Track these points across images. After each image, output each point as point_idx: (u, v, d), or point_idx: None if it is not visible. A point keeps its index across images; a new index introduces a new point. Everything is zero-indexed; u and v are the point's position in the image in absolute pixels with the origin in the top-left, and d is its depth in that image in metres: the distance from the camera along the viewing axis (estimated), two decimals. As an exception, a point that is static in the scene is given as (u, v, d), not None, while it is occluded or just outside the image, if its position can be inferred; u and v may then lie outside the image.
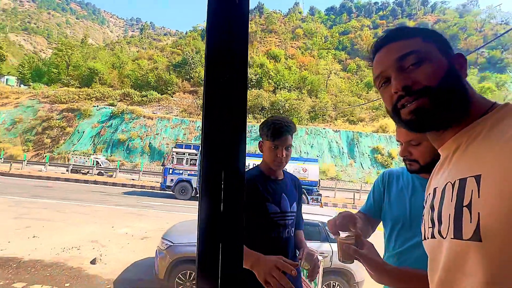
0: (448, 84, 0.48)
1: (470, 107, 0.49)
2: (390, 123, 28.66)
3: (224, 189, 0.44)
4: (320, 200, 12.44)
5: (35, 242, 4.68)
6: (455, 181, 0.46)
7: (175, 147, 13.63)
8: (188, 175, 12.22)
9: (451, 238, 0.44)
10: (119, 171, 17.77)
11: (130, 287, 3.43)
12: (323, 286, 3.31)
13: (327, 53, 50.39)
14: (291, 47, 53.78)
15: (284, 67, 41.73)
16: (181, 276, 3.14)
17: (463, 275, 0.41)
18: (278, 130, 1.21)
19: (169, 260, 3.13)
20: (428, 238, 0.52)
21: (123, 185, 14.34)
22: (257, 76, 37.13)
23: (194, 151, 12.77)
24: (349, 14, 76.02)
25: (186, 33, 73.46)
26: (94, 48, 55.25)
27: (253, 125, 26.69)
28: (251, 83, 36.18)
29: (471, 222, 0.40)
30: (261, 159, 1.33)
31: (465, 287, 0.41)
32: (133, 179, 16.35)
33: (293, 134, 1.27)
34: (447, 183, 0.48)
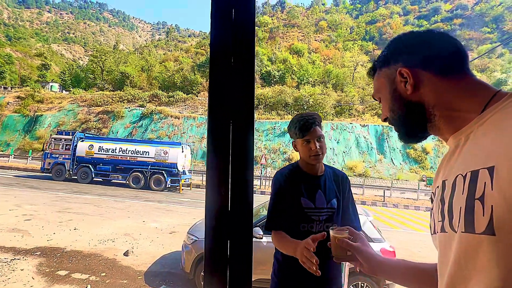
0: (395, 111, 0.59)
1: (445, 108, 0.52)
2: (423, 116, 26.84)
3: (231, 187, 0.45)
4: (180, 183, 12.94)
5: (76, 234, 5.08)
6: (466, 173, 0.44)
7: (55, 134, 14.84)
8: (63, 158, 13.53)
9: (462, 232, 0.42)
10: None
11: (160, 280, 3.58)
12: (351, 286, 3.18)
13: (353, 45, 48.26)
14: (315, 40, 52.34)
15: (308, 62, 40.79)
16: (206, 270, 3.22)
17: (475, 270, 0.40)
18: (304, 125, 1.25)
19: (195, 255, 3.21)
20: (438, 232, 0.51)
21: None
22: (280, 72, 36.74)
23: (69, 137, 13.86)
24: (376, 2, 72.00)
25: (209, 33, 74.89)
26: (125, 53, 58.55)
27: (276, 122, 26.54)
28: (274, 79, 35.91)
29: (483, 216, 0.39)
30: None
31: (477, 282, 0.40)
32: (162, 176, 17.12)
33: (321, 125, 1.32)
34: (457, 176, 0.47)
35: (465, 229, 0.42)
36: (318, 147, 1.25)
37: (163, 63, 47.26)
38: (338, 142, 24.97)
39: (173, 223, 6.51)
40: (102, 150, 13.60)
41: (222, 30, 0.44)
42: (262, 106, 30.41)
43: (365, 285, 3.16)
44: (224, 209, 0.43)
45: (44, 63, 54.32)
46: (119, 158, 13.44)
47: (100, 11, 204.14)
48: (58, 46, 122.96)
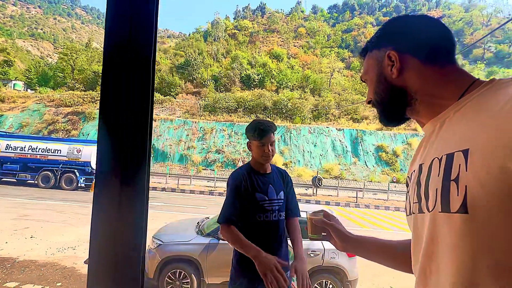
0: (379, 94, 0.60)
1: (426, 94, 0.54)
2: (394, 121, 28.29)
3: (121, 192, 0.44)
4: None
5: (32, 243, 4.71)
6: (442, 156, 0.46)
7: None
8: None
9: (439, 212, 0.44)
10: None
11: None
12: (316, 285, 3.24)
13: (330, 52, 49.97)
14: (294, 46, 53.53)
15: (287, 66, 41.56)
16: (170, 275, 3.12)
17: (450, 246, 0.42)
18: (262, 130, 1.44)
19: (159, 259, 3.11)
20: (414, 213, 0.53)
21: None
22: (260, 75, 37.07)
23: None
24: (352, 12, 75.35)
25: (189, 35, 73.90)
26: (99, 52, 56.00)
27: (255, 125, 26.72)
28: (254, 83, 36.14)
29: (458, 195, 0.41)
30: None
31: (450, 258, 0.42)
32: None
33: (274, 132, 1.52)
34: (434, 159, 0.48)
35: (441, 209, 0.43)
36: (270, 150, 1.46)
37: (139, 64, 45.81)
38: (315, 146, 25.58)
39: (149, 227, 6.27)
40: (10, 148, 12.89)
41: (118, 34, 0.42)
42: (242, 109, 30.42)
43: (329, 283, 3.24)
44: (113, 215, 0.44)
45: (6, 59, 50.40)
46: (29, 156, 12.79)
47: (72, 7, 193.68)
48: (24, 41, 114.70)
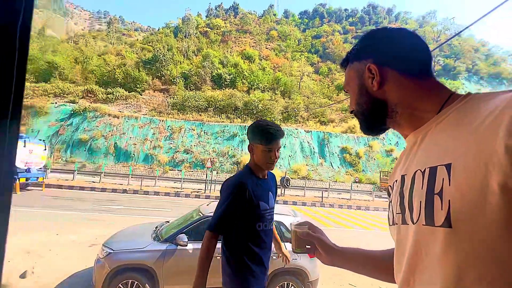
0: (361, 105, 0.62)
1: (406, 106, 0.55)
2: (357, 124, 29.94)
3: None
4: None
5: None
6: (425, 169, 0.47)
7: None
8: None
9: (423, 225, 0.45)
10: (78, 173, 16.45)
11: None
12: (277, 286, 3.22)
13: (300, 56, 51.48)
14: (266, 48, 54.14)
15: (259, 68, 41.86)
16: (121, 286, 2.85)
17: (433, 259, 0.43)
18: (272, 135, 1.35)
19: (108, 269, 2.83)
20: (396, 224, 0.54)
21: (81, 188, 13.26)
22: (231, 75, 36.81)
23: None
24: (321, 19, 78.53)
25: (158, 30, 70.77)
26: (54, 41, 50.99)
27: (226, 125, 26.39)
28: (225, 83, 35.79)
29: (442, 209, 0.42)
30: None
31: (434, 270, 0.43)
32: (93, 182, 15.23)
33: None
34: (416, 171, 0.49)
35: (425, 222, 0.44)
36: (276, 156, 1.39)
37: (102, 56, 42.66)
38: (284, 147, 26.06)
39: (96, 233, 5.76)
40: None
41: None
42: (212, 108, 29.92)
43: (290, 284, 3.24)
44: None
45: None
46: None
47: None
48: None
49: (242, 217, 1.33)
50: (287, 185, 16.22)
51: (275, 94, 35.58)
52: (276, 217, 3.53)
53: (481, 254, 0.38)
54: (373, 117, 0.61)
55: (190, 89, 33.37)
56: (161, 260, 2.81)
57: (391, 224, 0.57)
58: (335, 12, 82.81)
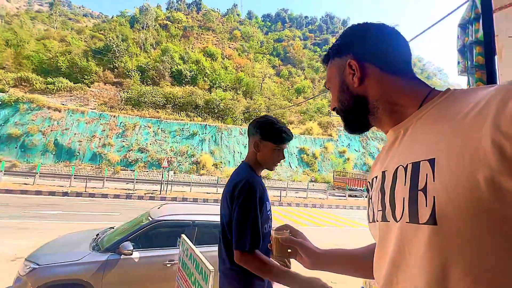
0: (342, 102, 0.61)
1: (387, 102, 0.54)
2: (314, 126, 31.61)
3: None
4: None
5: None
6: (407, 165, 0.46)
7: None
8: None
9: (407, 222, 0.43)
10: (5, 174, 14.12)
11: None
12: None
13: (262, 58, 52.30)
14: (229, 47, 53.76)
15: (221, 66, 41.34)
16: (49, 306, 2.45)
17: (418, 258, 0.42)
18: (286, 134, 1.31)
19: None
20: (377, 221, 0.52)
21: (8, 191, 11.38)
22: (192, 72, 35.64)
23: None
24: (283, 24, 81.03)
25: (112, 18, 64.99)
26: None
27: (185, 123, 25.42)
28: (185, 79, 34.50)
29: (426, 206, 0.40)
30: None
31: (418, 268, 0.42)
32: (26, 184, 13.23)
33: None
34: (398, 167, 0.48)
35: (409, 219, 0.43)
36: (284, 158, 1.35)
37: (42, 41, 37.52)
38: (245, 147, 26.15)
39: (23, 244, 4.95)
40: None
41: None
42: (171, 105, 28.56)
43: None
44: None
45: None
46: None
47: None
48: None
49: (257, 218, 1.18)
50: (247, 185, 16.26)
51: (237, 94, 35.52)
52: (218, 218, 3.46)
53: (466, 251, 0.37)
54: (355, 114, 0.59)
55: (147, 84, 31.34)
56: (100, 272, 2.47)
57: (371, 221, 0.56)
58: (296, 18, 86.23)
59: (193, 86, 33.28)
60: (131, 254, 2.60)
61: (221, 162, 23.71)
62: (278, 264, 1.11)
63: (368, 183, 0.62)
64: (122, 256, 2.59)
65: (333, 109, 0.65)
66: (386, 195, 0.50)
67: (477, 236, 0.37)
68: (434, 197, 0.40)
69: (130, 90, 28.55)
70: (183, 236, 2.26)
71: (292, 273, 1.07)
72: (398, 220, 0.46)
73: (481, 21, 1.24)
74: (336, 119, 35.41)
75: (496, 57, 1.11)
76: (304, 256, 0.72)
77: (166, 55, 35.90)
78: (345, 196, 20.07)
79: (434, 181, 0.40)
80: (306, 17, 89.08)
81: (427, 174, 0.41)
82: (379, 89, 0.55)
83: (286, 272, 1.08)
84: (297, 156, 27.62)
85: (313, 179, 25.12)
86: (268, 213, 1.31)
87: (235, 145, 25.66)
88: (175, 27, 50.71)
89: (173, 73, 34.86)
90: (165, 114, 26.97)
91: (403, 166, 0.46)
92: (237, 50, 53.37)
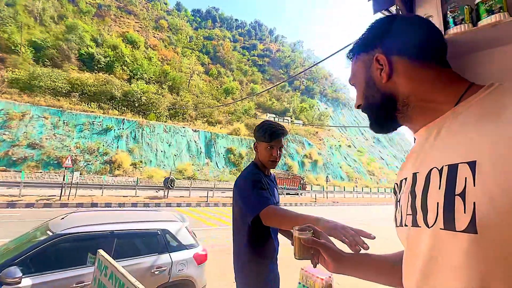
0: (368, 99, 0.57)
1: (418, 99, 0.51)
2: (242, 127, 32.51)
3: None
4: None
5: None
6: (442, 167, 0.42)
7: None
8: None
9: (441, 229, 0.40)
10: None
11: None
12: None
13: (191, 53, 50.32)
14: (154, 37, 49.40)
15: (144, 56, 37.55)
16: None
17: (454, 267, 0.39)
18: (274, 133, 1.40)
19: None
20: (406, 226, 0.49)
21: None
22: (108, 58, 31.05)
23: None
24: (213, 22, 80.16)
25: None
26: None
27: (97, 116, 21.85)
28: (99, 65, 29.76)
29: (465, 213, 0.37)
30: None
31: (454, 279, 0.39)
32: None
33: (285, 137, 1.46)
34: (432, 169, 0.44)
35: (444, 226, 0.40)
36: (278, 154, 1.42)
37: None
38: (170, 145, 24.51)
39: None
40: None
41: None
42: (78, 94, 24.09)
43: None
44: None
45: None
46: None
47: None
48: None
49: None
50: (172, 186, 15.28)
51: (162, 88, 33.04)
52: (159, 225, 3.11)
53: (510, 264, 0.34)
54: (383, 112, 0.56)
55: (44, 65, 25.43)
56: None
57: (398, 225, 0.52)
58: (226, 19, 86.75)
59: (109, 74, 29.06)
60: (19, 283, 1.98)
61: (141, 162, 21.48)
62: (293, 211, 1.14)
63: (395, 184, 0.58)
64: (5, 287, 1.95)
65: (358, 107, 0.61)
66: (417, 198, 0.46)
67: None
68: (474, 203, 0.36)
69: (18, 70, 22.56)
70: (101, 251, 1.88)
71: (305, 215, 1.07)
72: (430, 226, 0.42)
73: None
74: (262, 121, 37.42)
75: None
76: (327, 258, 0.68)
77: (73, 33, 30.05)
78: (268, 195, 21.31)
79: (474, 185, 0.37)
80: (236, 20, 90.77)
81: (466, 178, 0.38)
82: (409, 85, 0.51)
83: (301, 215, 1.09)
84: (224, 156, 27.75)
85: (239, 179, 25.74)
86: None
87: (158, 143, 23.73)
88: (87, 2, 43.11)
89: (82, 56, 29.53)
90: (70, 103, 22.58)
91: (438, 169, 0.43)
92: (163, 41, 49.62)
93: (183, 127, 26.83)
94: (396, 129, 0.58)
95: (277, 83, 53.55)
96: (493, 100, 0.41)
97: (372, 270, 0.67)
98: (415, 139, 0.55)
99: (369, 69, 0.56)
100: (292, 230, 0.75)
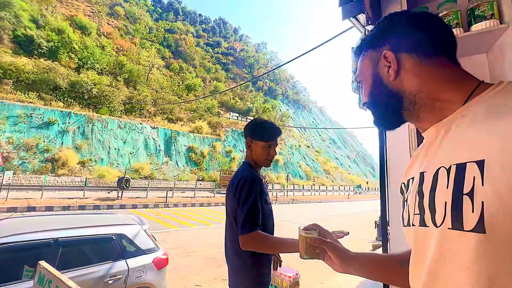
0: (375, 97, 0.57)
1: (426, 97, 0.50)
2: (204, 126, 31.75)
3: None
4: None
5: None
6: (450, 166, 0.42)
7: None
8: None
9: (449, 229, 0.40)
10: None
11: None
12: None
13: (150, 45, 47.37)
14: (108, 24, 45.31)
15: (96, 44, 34.20)
16: None
17: (462, 267, 0.39)
18: (272, 131, 1.40)
19: None
20: (414, 225, 0.49)
21: None
22: (51, 43, 27.53)
23: None
24: (176, 15, 76.60)
25: None
26: None
27: (36, 108, 19.21)
28: (40, 50, 26.22)
29: (473, 212, 0.37)
30: None
31: (462, 279, 0.39)
32: None
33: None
34: (440, 168, 0.44)
35: (452, 225, 0.40)
36: (275, 154, 1.42)
37: None
38: (125, 142, 22.78)
39: None
40: None
41: None
42: (12, 81, 20.90)
43: None
44: None
45: None
46: None
47: None
48: None
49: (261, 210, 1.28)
50: (127, 187, 14.24)
51: (117, 80, 30.52)
52: (114, 229, 2.85)
53: None
54: (389, 109, 0.55)
55: (-36, 44, 21.47)
56: None
57: (405, 224, 0.52)
58: (190, 13, 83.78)
59: (52, 61, 25.79)
60: None
61: (90, 160, 19.54)
62: (278, 237, 1.21)
63: (402, 184, 0.58)
64: None
65: (364, 104, 0.61)
66: (424, 198, 0.46)
67: None
68: (482, 202, 0.36)
69: None
70: (42, 263, 1.65)
71: (290, 240, 1.16)
72: (438, 225, 0.42)
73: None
74: (225, 120, 37.06)
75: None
76: (333, 258, 0.67)
77: (6, 10, 25.93)
78: (230, 194, 21.20)
79: (483, 185, 0.37)
80: (200, 15, 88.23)
81: (474, 177, 0.38)
82: (417, 83, 0.51)
83: (286, 240, 1.17)
84: (185, 155, 26.81)
85: (200, 178, 25.09)
86: (270, 207, 1.41)
87: (112, 140, 21.86)
88: (25, -23, 37.56)
89: (19, 38, 25.68)
90: (1, 91, 19.44)
91: (446, 168, 0.43)
92: (119, 30, 45.85)
93: (141, 123, 25.15)
94: (399, 126, 0.59)
95: (241, 82, 53.62)
96: (502, 98, 0.41)
97: (379, 270, 0.66)
98: (423, 138, 0.55)
99: (377, 66, 0.56)
100: (298, 231, 0.76)
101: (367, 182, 49.11)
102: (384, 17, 0.57)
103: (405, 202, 0.54)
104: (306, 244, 0.72)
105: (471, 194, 0.38)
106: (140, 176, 20.68)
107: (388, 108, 0.56)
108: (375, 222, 5.90)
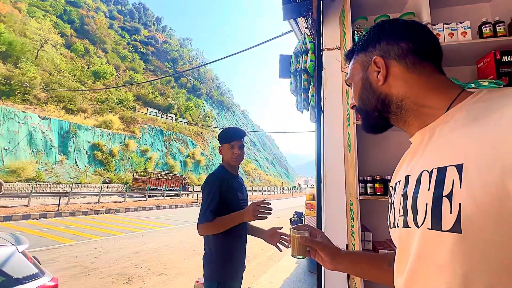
0: (364, 100, 0.60)
1: (412, 103, 0.53)
2: (115, 120, 27.69)
3: None
4: None
5: None
6: (432, 170, 0.44)
7: None
8: None
9: (428, 229, 0.42)
10: None
11: None
12: None
13: (44, 16, 38.13)
14: (-26, -25, 33.92)
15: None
16: None
17: (439, 266, 0.41)
18: (233, 133, 1.67)
19: None
20: (398, 227, 0.51)
21: None
22: None
23: None
24: (83, -14, 64.49)
25: None
26: None
27: None
28: None
29: (451, 213, 0.39)
30: None
31: (438, 279, 0.41)
32: None
33: (244, 139, 1.73)
34: (423, 171, 0.47)
35: (431, 225, 0.42)
36: (239, 152, 1.65)
37: None
38: (2, 136, 17.42)
39: None
40: None
41: None
42: None
43: None
44: None
45: None
46: None
47: None
48: None
49: (224, 208, 1.50)
50: (-4, 192, 10.84)
51: (-13, 52, 23.11)
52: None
53: (492, 262, 0.36)
54: (377, 113, 0.58)
55: None
56: None
57: (391, 226, 0.55)
58: (102, -11, 72.10)
59: None
60: None
61: None
62: (222, 216, 1.48)
63: (390, 187, 0.60)
64: None
65: (352, 107, 0.62)
66: (408, 200, 0.48)
67: (504, 248, 0.35)
68: (460, 204, 0.38)
69: None
70: None
71: (233, 214, 1.48)
72: (419, 226, 0.44)
73: (309, 54, 1.61)
74: (141, 115, 33.43)
75: (322, 84, 1.49)
76: (325, 257, 0.71)
77: None
78: (145, 197, 19.15)
79: (461, 187, 0.39)
80: (115, -7, 77.17)
81: (453, 180, 0.40)
82: (404, 89, 0.53)
83: (230, 216, 1.48)
84: (88, 153, 22.70)
85: (107, 180, 21.70)
86: (242, 203, 1.61)
87: (-26, 130, 16.31)
88: None
89: None
90: None
91: (428, 171, 0.45)
92: (-7, -13, 34.94)
93: (23, 112, 19.78)
94: (386, 130, 0.61)
95: (162, 76, 49.73)
96: (481, 106, 0.43)
97: (369, 268, 0.69)
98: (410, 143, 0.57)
99: (367, 71, 0.58)
100: (289, 230, 0.79)
101: (282, 183, 53.70)
102: (376, 24, 0.59)
103: (392, 205, 0.57)
104: (297, 243, 0.75)
105: (450, 196, 0.40)
106: (20, 178, 16.20)
107: (376, 111, 0.58)
108: (290, 219, 6.34)
